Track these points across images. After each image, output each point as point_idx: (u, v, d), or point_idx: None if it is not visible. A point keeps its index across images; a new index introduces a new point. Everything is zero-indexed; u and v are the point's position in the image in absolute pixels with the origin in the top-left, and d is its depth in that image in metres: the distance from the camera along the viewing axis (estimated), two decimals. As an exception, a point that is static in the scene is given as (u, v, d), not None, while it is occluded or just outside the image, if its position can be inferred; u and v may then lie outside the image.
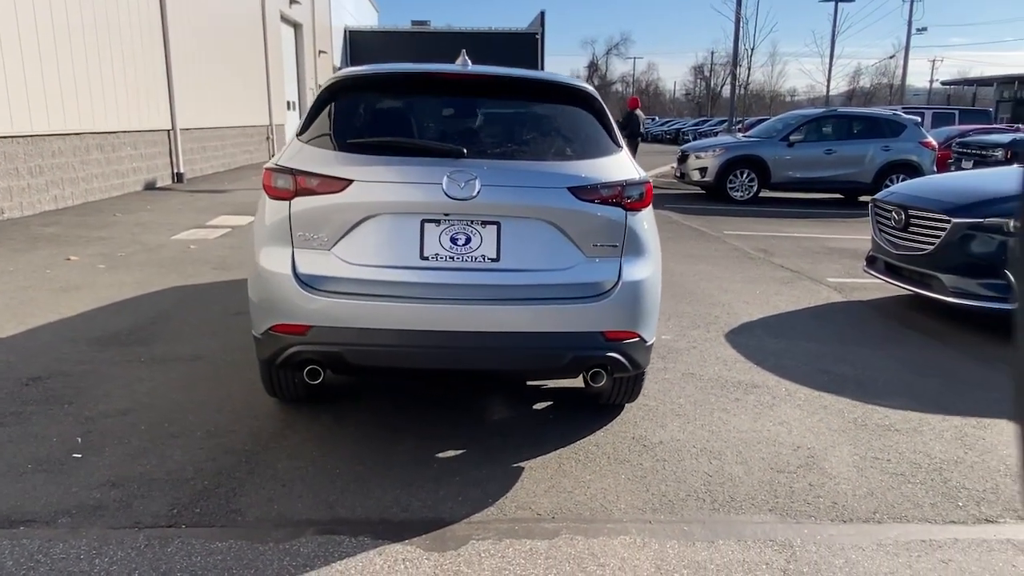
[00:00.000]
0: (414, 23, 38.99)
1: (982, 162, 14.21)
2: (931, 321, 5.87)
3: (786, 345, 5.16)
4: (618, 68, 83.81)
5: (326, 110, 3.27)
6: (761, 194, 13.60)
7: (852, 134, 13.56)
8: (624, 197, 3.12)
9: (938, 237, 5.51)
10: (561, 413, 3.83)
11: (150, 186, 13.19)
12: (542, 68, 38.68)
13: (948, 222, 5.44)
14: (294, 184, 3.04)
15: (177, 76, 13.92)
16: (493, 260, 3.04)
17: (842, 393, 4.25)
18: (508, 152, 3.13)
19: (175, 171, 14.17)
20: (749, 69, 47.28)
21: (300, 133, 3.23)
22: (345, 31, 35.76)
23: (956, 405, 4.11)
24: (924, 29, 58.46)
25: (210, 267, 6.99)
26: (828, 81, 37.44)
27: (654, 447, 3.49)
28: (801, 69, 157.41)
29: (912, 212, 5.79)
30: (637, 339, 3.19)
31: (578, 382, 3.97)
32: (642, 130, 17.28)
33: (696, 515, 2.91)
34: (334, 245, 3.03)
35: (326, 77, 30.74)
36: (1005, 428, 3.81)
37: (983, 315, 5.49)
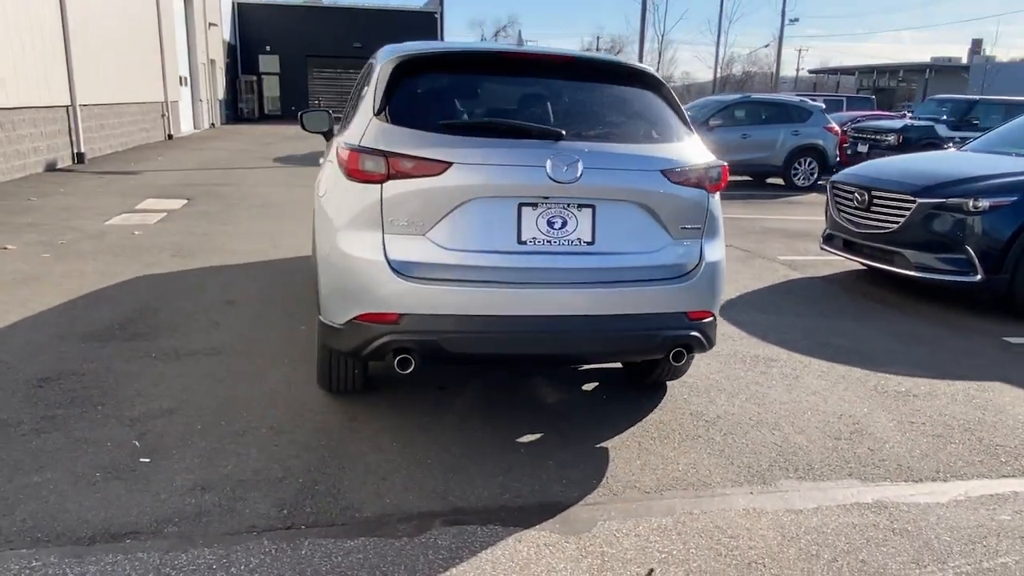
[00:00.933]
0: (307, -4, 37.48)
1: (876, 146, 15.31)
2: (888, 294, 6.33)
3: (776, 320, 5.43)
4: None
5: (401, 88, 3.15)
6: (684, 176, 14.09)
7: (764, 119, 14.27)
8: (707, 180, 3.20)
9: (903, 216, 5.94)
10: (611, 394, 3.90)
11: (51, 167, 12.12)
12: (442, 48, 38.21)
13: (913, 202, 5.87)
14: (387, 166, 2.91)
15: (75, 46, 12.79)
16: (588, 243, 3.05)
17: (851, 363, 4.54)
18: (601, 135, 3.13)
19: (75, 151, 13.07)
20: (660, 54, 48.52)
21: (377, 112, 3.08)
22: (233, 3, 33.93)
23: (952, 371, 4.48)
24: (796, 20, 62.10)
25: (168, 254, 6.55)
26: (716, 68, 39.06)
27: (715, 421, 3.61)
28: (697, 56, 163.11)
29: (876, 193, 6.21)
30: (711, 318, 3.29)
31: (616, 363, 4.06)
32: None
33: (788, 484, 3.05)
34: (429, 230, 2.94)
35: (216, 52, 28.99)
36: (1003, 389, 4.20)
37: (939, 288, 6.00)
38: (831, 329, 5.24)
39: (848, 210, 6.55)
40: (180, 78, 22.50)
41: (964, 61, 62.69)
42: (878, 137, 15.48)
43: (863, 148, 15.44)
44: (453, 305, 2.94)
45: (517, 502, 2.80)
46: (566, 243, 3.03)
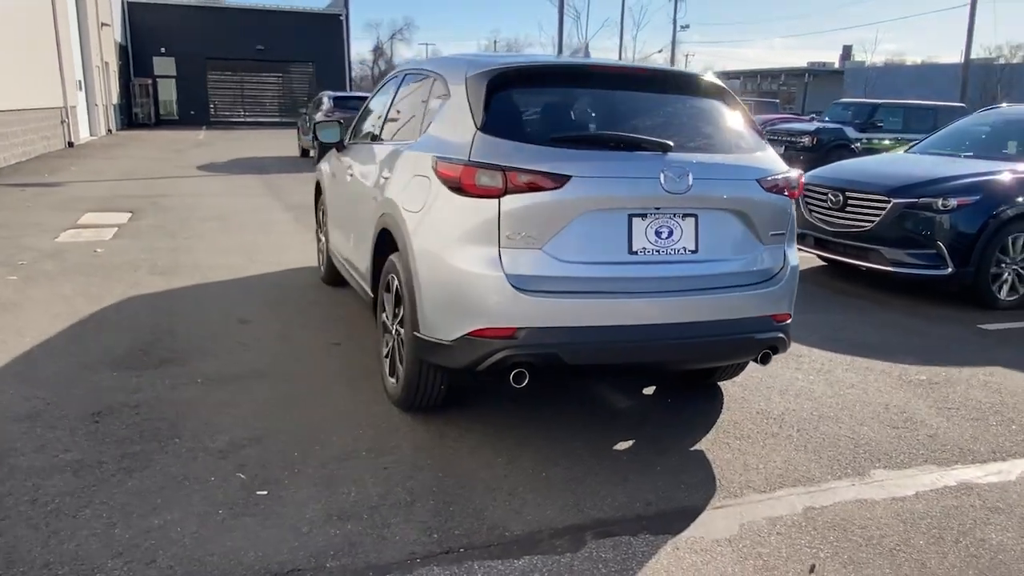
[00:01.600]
0: (203, -3, 35.84)
1: (791, 147, 16.23)
2: (857, 288, 6.73)
3: (777, 317, 5.69)
4: (404, 53, 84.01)
5: (499, 102, 3.13)
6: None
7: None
8: (790, 187, 3.35)
9: (878, 215, 6.36)
10: (672, 397, 4.00)
11: (-42, 180, 11.12)
12: (349, 51, 37.52)
13: (888, 202, 6.30)
14: (504, 181, 2.90)
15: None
16: (692, 252, 3.14)
17: (868, 355, 4.83)
18: (701, 146, 3.22)
19: (-20, 162, 12.05)
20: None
21: (482, 126, 3.05)
22: (123, 2, 32.07)
23: (952, 358, 4.85)
24: (687, 26, 64.49)
25: (145, 273, 6.17)
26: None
27: (782, 418, 3.78)
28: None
29: (850, 194, 6.62)
30: (790, 319, 3.45)
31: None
32: None
33: (880, 474, 3.24)
34: (546, 243, 2.95)
35: (109, 54, 27.35)
36: (1006, 374, 4.59)
37: (903, 280, 6.47)
38: (828, 324, 5.54)
39: (821, 210, 6.93)
40: (77, 82, 21.08)
41: (836, 66, 67.28)
42: (792, 139, 16.42)
43: (779, 149, 16.30)
44: (570, 317, 2.96)
45: (651, 510, 2.85)
46: (673, 252, 3.11)
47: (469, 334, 2.98)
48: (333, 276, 5.71)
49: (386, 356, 3.74)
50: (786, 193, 3.34)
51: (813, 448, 3.45)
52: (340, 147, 5.19)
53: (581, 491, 2.95)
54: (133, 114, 32.78)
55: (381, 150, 4.12)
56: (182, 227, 8.32)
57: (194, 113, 34.97)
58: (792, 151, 16.27)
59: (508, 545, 2.57)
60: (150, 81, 33.79)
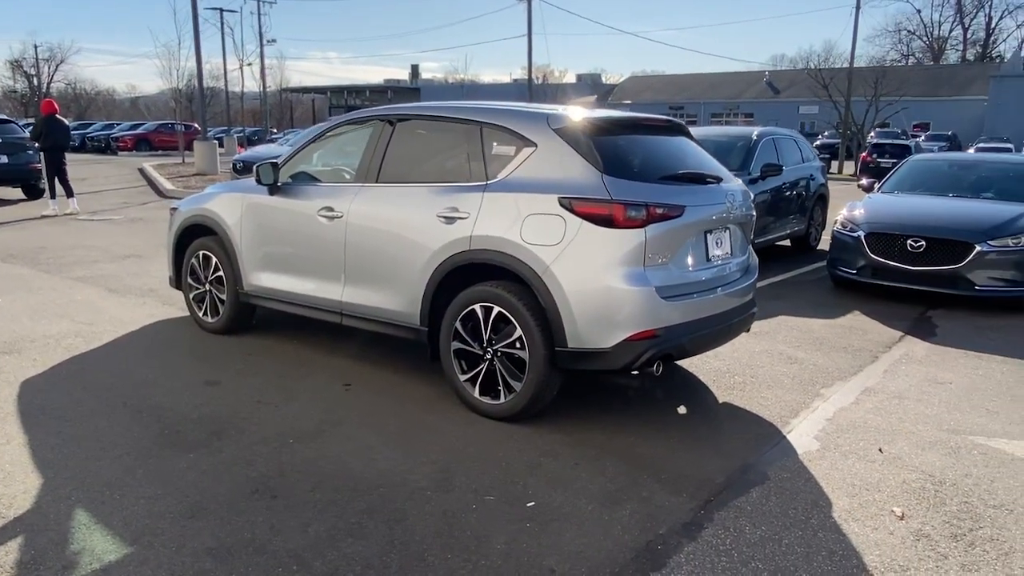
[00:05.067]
0: None
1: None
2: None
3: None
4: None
5: (604, 148, 3.87)
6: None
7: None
8: (753, 204, 4.70)
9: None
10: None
11: None
12: None
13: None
14: (647, 214, 3.68)
15: None
16: (730, 255, 4.30)
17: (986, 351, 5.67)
18: (721, 177, 4.37)
19: None
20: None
21: (606, 170, 3.75)
22: None
23: (964, 344, 5.91)
24: (274, 40, 63.73)
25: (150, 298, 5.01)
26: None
27: (891, 394, 4.68)
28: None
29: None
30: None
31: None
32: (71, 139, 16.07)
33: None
34: (671, 259, 3.82)
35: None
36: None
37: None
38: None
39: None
40: None
41: (409, 83, 73.77)
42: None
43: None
44: (687, 314, 3.88)
45: (763, 464, 3.76)
46: (725, 256, 4.24)
47: (626, 339, 3.69)
48: (239, 322, 5.51)
49: (471, 379, 4.10)
50: (753, 209, 4.66)
51: (947, 406, 4.84)
52: (273, 188, 5.06)
53: (726, 449, 3.82)
54: None
55: (408, 193, 4.36)
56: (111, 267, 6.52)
57: None
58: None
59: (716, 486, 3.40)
60: None
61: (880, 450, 3.83)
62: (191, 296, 5.78)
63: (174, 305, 6.34)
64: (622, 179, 3.77)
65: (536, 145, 3.96)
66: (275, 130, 44.05)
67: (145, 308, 6.37)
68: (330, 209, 4.71)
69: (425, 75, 77.94)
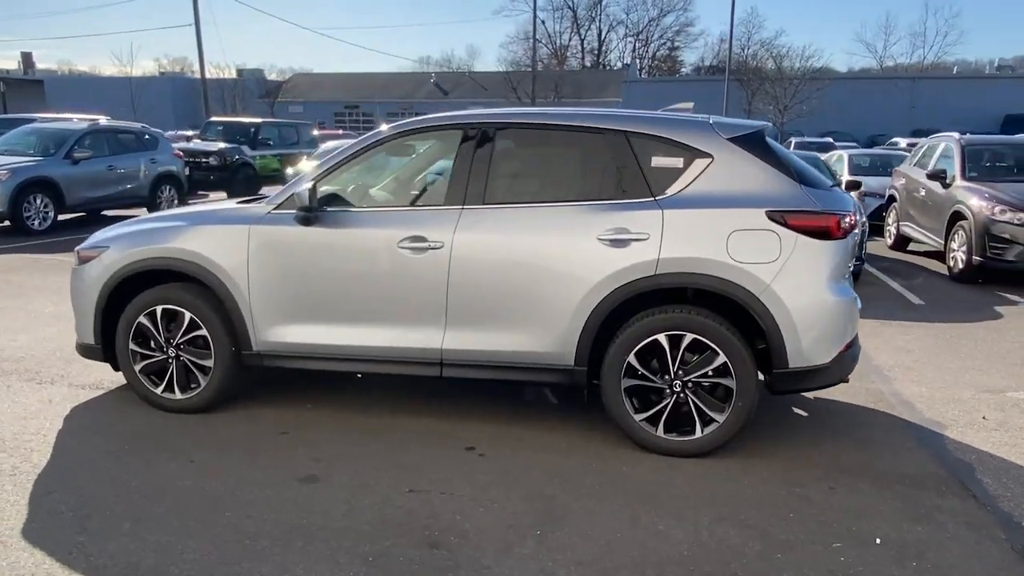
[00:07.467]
0: None
1: (199, 168, 15.85)
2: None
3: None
4: None
5: (779, 157, 3.74)
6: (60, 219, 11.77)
7: (124, 149, 13.10)
8: None
9: None
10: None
11: None
12: None
13: None
14: (849, 223, 3.66)
15: None
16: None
17: (898, 319, 6.50)
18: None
19: None
20: None
21: (801, 181, 3.64)
22: None
23: (969, 317, 6.73)
24: None
25: None
26: None
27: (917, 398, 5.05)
28: None
29: None
30: None
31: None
32: None
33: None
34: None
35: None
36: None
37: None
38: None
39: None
40: None
41: (23, 74, 62.63)
42: (199, 160, 16.07)
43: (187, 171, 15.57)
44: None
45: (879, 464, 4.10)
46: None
47: (841, 352, 3.63)
48: (228, 394, 4.31)
49: (651, 418, 3.70)
50: None
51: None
52: (310, 218, 3.94)
53: (831, 448, 3.94)
54: None
55: (541, 215, 3.77)
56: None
57: None
58: (200, 171, 15.96)
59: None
60: None
61: None
62: (138, 368, 4.23)
63: (88, 383, 4.61)
64: (812, 188, 3.68)
65: (712, 156, 3.67)
66: None
67: (44, 392, 4.51)
68: (420, 239, 3.82)
69: (42, 65, 66.35)
